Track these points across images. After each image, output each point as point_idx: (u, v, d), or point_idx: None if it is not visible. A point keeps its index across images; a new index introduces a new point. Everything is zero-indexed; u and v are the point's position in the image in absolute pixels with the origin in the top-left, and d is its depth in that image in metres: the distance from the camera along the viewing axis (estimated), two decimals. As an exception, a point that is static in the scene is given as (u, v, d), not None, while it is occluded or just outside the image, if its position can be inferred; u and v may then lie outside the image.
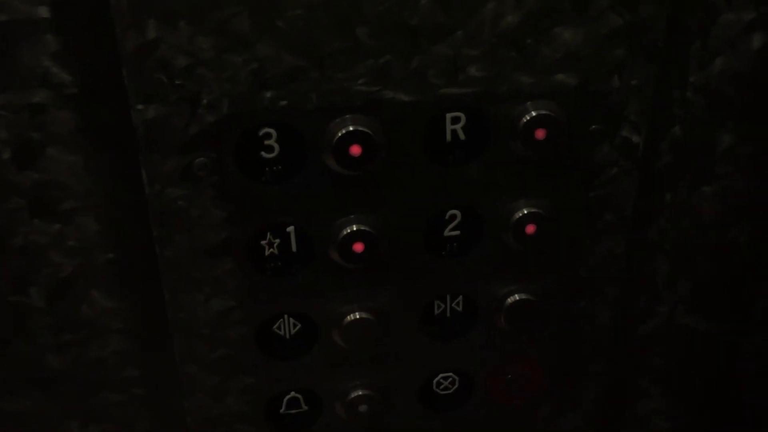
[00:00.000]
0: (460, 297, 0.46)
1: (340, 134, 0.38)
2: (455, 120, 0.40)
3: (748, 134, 0.42)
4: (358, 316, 0.44)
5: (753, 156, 0.43)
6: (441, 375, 0.49)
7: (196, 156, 0.38)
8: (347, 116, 0.38)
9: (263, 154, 0.39)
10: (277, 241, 0.42)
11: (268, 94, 0.37)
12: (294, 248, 0.42)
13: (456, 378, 0.49)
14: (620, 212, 0.44)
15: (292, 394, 0.48)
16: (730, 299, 0.48)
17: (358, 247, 0.42)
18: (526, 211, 0.43)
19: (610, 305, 0.48)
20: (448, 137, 0.40)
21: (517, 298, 0.46)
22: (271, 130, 0.38)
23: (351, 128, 0.38)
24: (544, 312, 0.46)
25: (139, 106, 0.37)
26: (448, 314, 0.46)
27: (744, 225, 0.45)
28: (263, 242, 0.42)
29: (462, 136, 0.40)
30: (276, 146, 0.39)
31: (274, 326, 0.45)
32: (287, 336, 0.45)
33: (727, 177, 0.44)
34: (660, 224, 0.45)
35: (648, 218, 0.45)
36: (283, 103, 0.38)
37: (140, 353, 0.46)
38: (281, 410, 0.48)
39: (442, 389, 0.50)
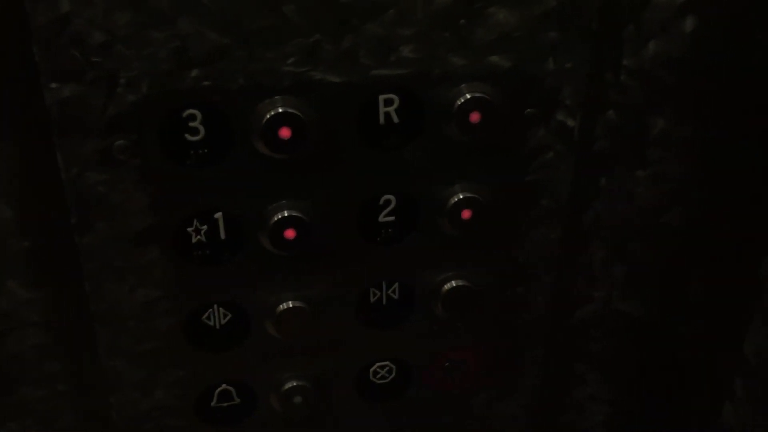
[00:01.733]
0: (396, 284, 0.45)
1: (268, 116, 0.37)
2: (388, 102, 0.39)
3: (682, 118, 0.42)
4: (291, 305, 0.43)
5: (686, 140, 0.43)
6: (378, 364, 0.48)
7: (116, 138, 0.37)
8: (276, 97, 0.37)
9: (187, 136, 0.37)
10: (205, 227, 0.40)
11: (192, 74, 0.36)
12: (222, 235, 0.40)
13: (393, 367, 0.49)
14: (556, 197, 0.44)
15: (224, 386, 0.46)
16: (665, 284, 0.49)
17: (290, 233, 0.41)
18: (462, 196, 0.42)
19: (546, 291, 0.48)
20: (382, 120, 0.39)
21: (454, 284, 0.45)
22: (196, 112, 0.37)
23: (280, 110, 0.37)
24: (481, 299, 0.46)
25: (53, 85, 0.35)
26: (384, 302, 0.45)
27: (678, 209, 0.45)
28: (190, 229, 0.40)
29: (396, 119, 0.39)
30: (201, 128, 0.37)
31: (204, 316, 0.43)
32: (217, 327, 0.43)
33: (661, 161, 0.44)
34: (595, 209, 0.45)
35: (583, 203, 0.45)
36: (208, 83, 0.36)
37: (61, 347, 0.44)
38: (212, 403, 0.46)
39: (379, 378, 0.49)
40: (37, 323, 0.42)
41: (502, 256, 0.46)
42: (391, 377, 0.49)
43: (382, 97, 0.38)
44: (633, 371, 0.52)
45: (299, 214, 0.40)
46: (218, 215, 0.40)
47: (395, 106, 0.39)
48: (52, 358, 0.44)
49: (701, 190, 0.45)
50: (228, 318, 0.43)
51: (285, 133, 0.37)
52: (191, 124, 0.37)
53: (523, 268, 0.46)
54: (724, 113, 0.43)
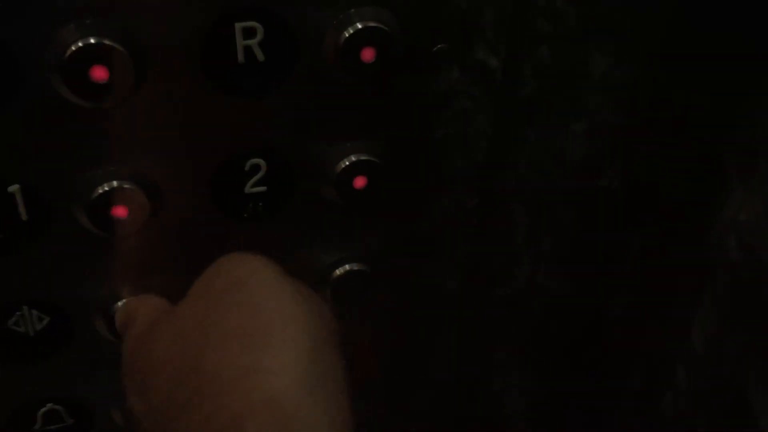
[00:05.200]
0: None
1: (72, 49, 0.26)
2: (249, 33, 0.29)
3: (629, 56, 0.34)
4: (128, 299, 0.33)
5: (632, 83, 0.35)
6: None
7: None
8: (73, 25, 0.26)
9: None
10: (-2, 207, 0.29)
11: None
12: (24, 215, 0.29)
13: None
14: (471, 156, 0.35)
15: (50, 406, 0.36)
16: (597, 258, 0.41)
17: (120, 211, 0.30)
18: (354, 158, 0.33)
19: (459, 268, 0.39)
20: (240, 57, 0.29)
21: (347, 268, 0.36)
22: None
23: (92, 41, 0.26)
24: (378, 282, 0.37)
25: None
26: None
27: (617, 168, 0.37)
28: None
29: (260, 55, 0.29)
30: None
31: (10, 322, 0.32)
32: (31, 333, 0.33)
33: (600, 110, 0.35)
34: (519, 170, 0.37)
35: (504, 162, 0.36)
36: None
37: None
38: (36, 427, 0.36)
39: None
40: None
41: (405, 230, 0.37)
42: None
43: (239, 26, 0.28)
44: (558, 357, 0.45)
45: (131, 186, 0.30)
46: (14, 188, 0.29)
47: (259, 38, 0.29)
48: None
49: (645, 146, 0.37)
50: (45, 322, 0.33)
51: (100, 73, 0.27)
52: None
53: (431, 242, 0.37)
54: (677, 49, 0.34)
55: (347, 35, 0.29)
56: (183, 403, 0.22)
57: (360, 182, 0.33)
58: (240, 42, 0.29)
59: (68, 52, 0.26)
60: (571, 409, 0.47)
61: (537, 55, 0.33)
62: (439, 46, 0.31)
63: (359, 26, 0.30)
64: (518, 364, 0.45)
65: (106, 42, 0.26)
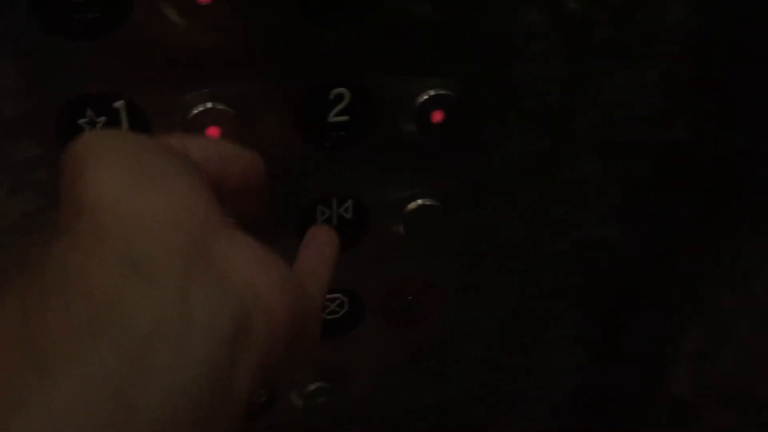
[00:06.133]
0: (349, 201, 0.37)
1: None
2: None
3: (706, 5, 0.34)
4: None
5: (707, 33, 0.35)
6: (327, 296, 0.40)
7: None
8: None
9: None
10: (102, 120, 0.31)
11: None
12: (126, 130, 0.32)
13: (345, 299, 0.41)
14: (545, 99, 0.36)
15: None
16: (664, 210, 0.41)
17: (213, 131, 0.32)
18: (433, 93, 0.34)
19: (525, 213, 0.40)
20: None
21: (419, 203, 0.37)
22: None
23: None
24: (448, 221, 0.38)
25: None
26: (334, 222, 0.37)
27: (689, 120, 0.38)
28: (82, 121, 0.31)
29: (350, -14, 0.30)
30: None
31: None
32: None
33: (675, 59, 0.36)
34: (590, 116, 0.37)
35: (577, 108, 0.37)
36: None
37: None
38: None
39: (329, 313, 0.41)
40: None
41: (476, 169, 0.38)
42: (342, 312, 0.41)
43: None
44: (618, 311, 0.46)
45: (222, 105, 0.32)
46: (119, 104, 0.31)
47: (348, -30, 0.30)
48: None
49: (716, 98, 0.38)
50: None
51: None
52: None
53: (499, 185, 0.38)
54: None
55: (432, -32, 0.31)
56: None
57: (437, 116, 0.35)
58: (333, -29, 0.31)
59: (177, -26, 0.29)
60: (627, 365, 0.48)
61: (614, 1, 0.34)
62: (519, -17, 0.33)
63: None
64: (575, 315, 0.46)
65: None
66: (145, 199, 0.21)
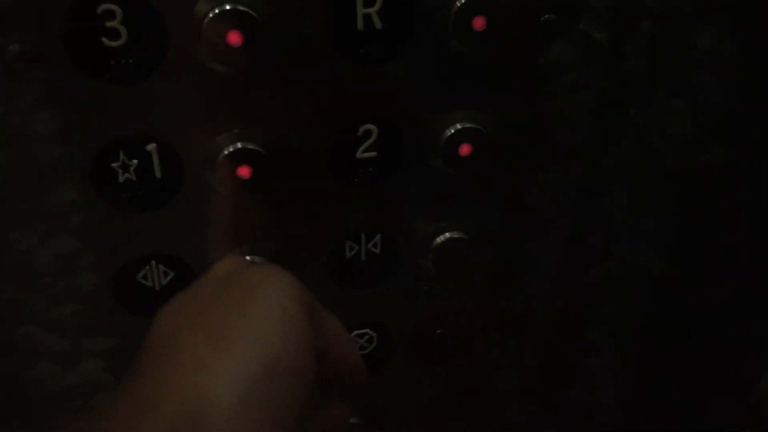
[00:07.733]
0: (378, 236, 0.37)
1: (211, 16, 0.28)
2: (368, 1, 0.30)
3: (736, 32, 0.34)
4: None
5: (739, 61, 0.35)
6: (355, 332, 0.40)
7: (9, 40, 0.28)
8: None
9: (106, 41, 0.29)
10: (135, 162, 0.32)
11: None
12: (158, 172, 0.32)
13: (374, 335, 0.41)
14: (575, 129, 0.35)
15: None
16: (698, 237, 0.41)
17: (244, 171, 0.32)
18: (460, 127, 0.34)
19: (558, 244, 0.40)
20: (360, 25, 0.31)
21: (448, 236, 0.37)
22: (115, 8, 0.28)
23: (228, 7, 0.28)
24: (479, 253, 0.38)
25: None
26: (362, 257, 0.37)
27: (720, 145, 0.37)
28: (115, 164, 0.31)
29: (378, 23, 0.31)
30: (123, 31, 0.28)
31: (139, 275, 0.35)
32: (156, 287, 0.35)
33: (706, 87, 0.35)
34: (622, 145, 0.37)
35: (607, 138, 0.37)
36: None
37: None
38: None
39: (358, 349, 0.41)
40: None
41: (506, 201, 0.37)
42: (371, 347, 0.41)
43: (360, -4, 0.30)
44: (654, 339, 0.45)
45: (257, 147, 0.32)
46: (152, 147, 0.31)
47: (377, 6, 0.30)
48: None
49: (748, 123, 0.37)
50: (170, 277, 0.35)
51: (234, 38, 0.29)
52: (109, 24, 0.28)
53: (531, 216, 0.38)
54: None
55: (459, 5, 0.31)
56: (144, 360, 0.23)
57: (465, 149, 0.34)
58: (360, 10, 0.31)
59: (207, 20, 0.29)
60: (662, 394, 0.47)
61: (641, 29, 0.34)
62: (546, 16, 0.33)
63: (472, -4, 0.31)
64: (611, 346, 0.45)
65: (239, 8, 0.29)
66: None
